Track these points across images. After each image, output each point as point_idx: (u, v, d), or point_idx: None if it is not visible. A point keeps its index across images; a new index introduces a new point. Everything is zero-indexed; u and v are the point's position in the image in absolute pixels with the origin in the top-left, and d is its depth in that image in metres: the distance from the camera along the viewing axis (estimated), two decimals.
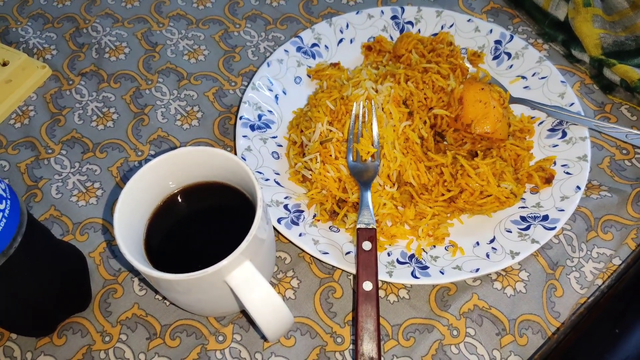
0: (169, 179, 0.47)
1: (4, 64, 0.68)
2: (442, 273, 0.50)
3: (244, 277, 0.41)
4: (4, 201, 0.40)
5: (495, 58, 0.65)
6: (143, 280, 0.54)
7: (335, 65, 0.66)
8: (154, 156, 0.62)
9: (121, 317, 0.52)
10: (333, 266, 0.53)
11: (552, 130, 0.59)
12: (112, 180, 0.61)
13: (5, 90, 0.67)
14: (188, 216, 0.49)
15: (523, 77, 0.63)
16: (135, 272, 0.55)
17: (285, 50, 0.66)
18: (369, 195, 0.52)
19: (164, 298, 0.53)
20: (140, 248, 0.45)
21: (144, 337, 0.51)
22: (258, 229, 0.41)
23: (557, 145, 0.58)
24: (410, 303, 0.51)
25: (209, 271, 0.39)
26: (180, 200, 0.48)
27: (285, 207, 0.55)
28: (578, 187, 0.53)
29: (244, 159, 0.57)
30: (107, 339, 0.51)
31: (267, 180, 0.57)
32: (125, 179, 0.61)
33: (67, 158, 0.63)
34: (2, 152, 0.64)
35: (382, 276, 0.50)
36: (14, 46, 0.73)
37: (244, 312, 0.51)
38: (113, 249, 0.56)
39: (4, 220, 0.40)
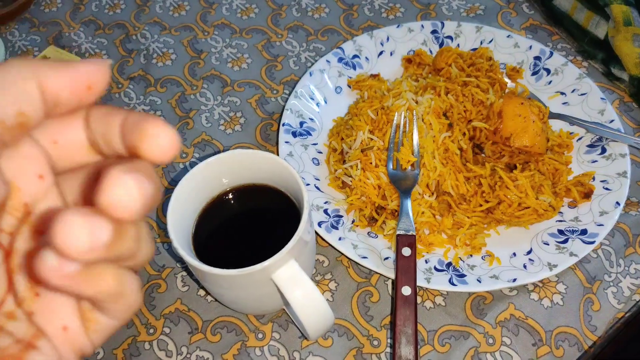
0: (220, 178, 0.49)
1: None
2: (480, 281, 0.51)
3: (290, 275, 0.43)
4: None
5: (534, 74, 0.66)
6: (186, 276, 0.56)
7: (375, 76, 0.68)
8: (199, 159, 0.65)
9: (165, 311, 0.54)
10: (370, 271, 0.55)
11: (591, 146, 0.60)
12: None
13: None
14: (234, 215, 0.51)
15: (562, 93, 0.64)
16: (182, 267, 0.57)
17: (327, 61, 0.68)
18: (409, 203, 0.53)
19: (206, 294, 0.55)
20: (189, 243, 0.47)
21: (186, 331, 0.53)
22: (304, 231, 0.43)
23: (596, 161, 0.58)
24: (446, 310, 0.52)
25: (257, 268, 0.41)
26: (227, 200, 0.50)
27: (325, 211, 0.57)
28: (617, 203, 0.54)
29: None
30: (151, 331, 0.53)
31: (307, 185, 0.59)
32: (173, 182, 0.63)
33: None
34: None
35: (420, 282, 0.50)
36: (67, 50, 0.77)
37: (284, 311, 0.53)
38: (157, 246, 0.59)
39: None
